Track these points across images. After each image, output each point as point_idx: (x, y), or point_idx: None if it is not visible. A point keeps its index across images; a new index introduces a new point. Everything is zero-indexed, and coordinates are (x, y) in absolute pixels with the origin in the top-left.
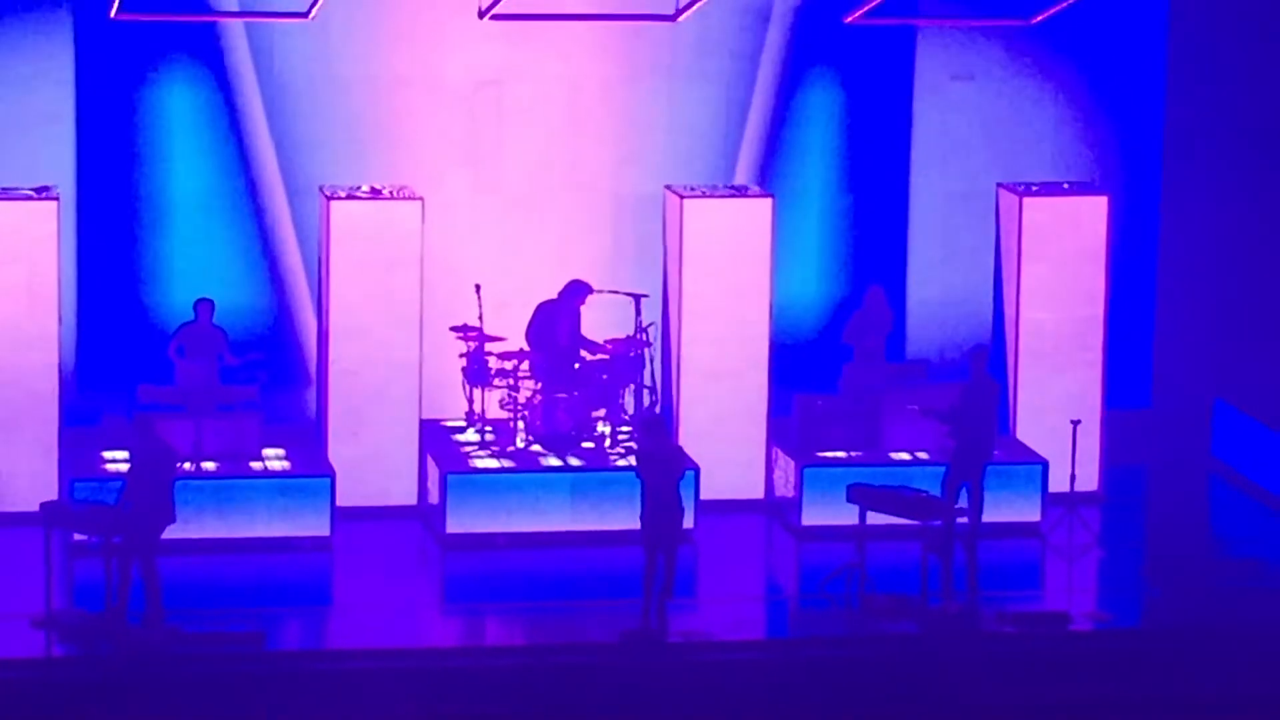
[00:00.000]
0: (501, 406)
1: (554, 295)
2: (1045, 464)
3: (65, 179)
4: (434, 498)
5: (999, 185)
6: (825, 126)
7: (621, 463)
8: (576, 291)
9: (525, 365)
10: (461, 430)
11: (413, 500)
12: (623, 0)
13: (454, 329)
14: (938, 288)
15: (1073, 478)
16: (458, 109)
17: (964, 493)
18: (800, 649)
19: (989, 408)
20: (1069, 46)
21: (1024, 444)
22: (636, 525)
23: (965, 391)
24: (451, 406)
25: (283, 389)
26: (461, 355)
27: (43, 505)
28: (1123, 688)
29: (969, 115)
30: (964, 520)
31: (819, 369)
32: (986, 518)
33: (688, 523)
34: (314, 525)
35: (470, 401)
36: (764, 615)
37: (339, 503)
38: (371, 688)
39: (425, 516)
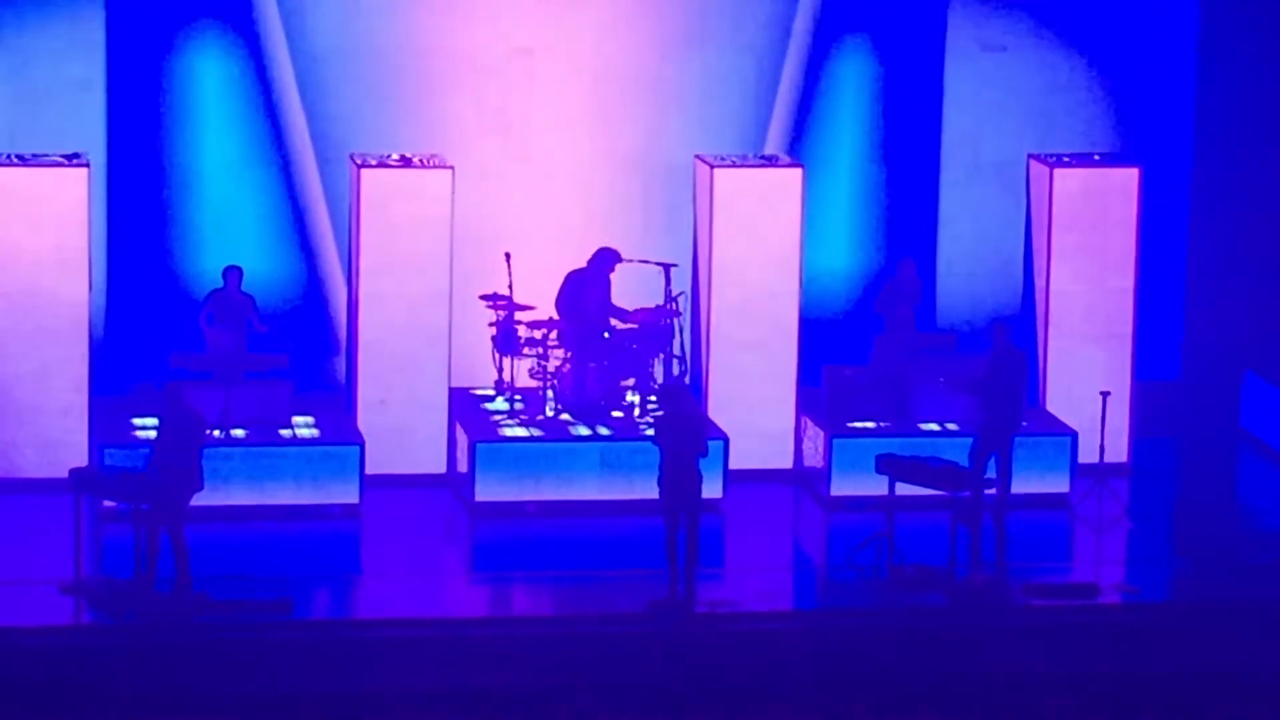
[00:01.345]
0: (531, 375)
1: (583, 264)
2: (1074, 435)
3: (96, 146)
4: (463, 466)
5: (1030, 156)
6: (856, 96)
7: (650, 432)
8: (605, 259)
9: (555, 334)
10: (491, 399)
11: (442, 469)
12: None
13: (484, 297)
14: (968, 259)
15: (1102, 449)
16: (489, 78)
17: (993, 463)
18: (828, 619)
19: (1016, 379)
20: (1100, 17)
21: (1053, 415)
22: None
23: (990, 363)
24: (481, 375)
25: (312, 357)
26: (491, 324)
27: (72, 472)
28: (1151, 659)
29: (1000, 85)
30: (993, 491)
31: (849, 340)
32: (1015, 489)
33: (717, 492)
34: (343, 493)
35: (500, 370)
36: (792, 585)
37: (368, 471)
38: (399, 656)
39: (454, 485)
